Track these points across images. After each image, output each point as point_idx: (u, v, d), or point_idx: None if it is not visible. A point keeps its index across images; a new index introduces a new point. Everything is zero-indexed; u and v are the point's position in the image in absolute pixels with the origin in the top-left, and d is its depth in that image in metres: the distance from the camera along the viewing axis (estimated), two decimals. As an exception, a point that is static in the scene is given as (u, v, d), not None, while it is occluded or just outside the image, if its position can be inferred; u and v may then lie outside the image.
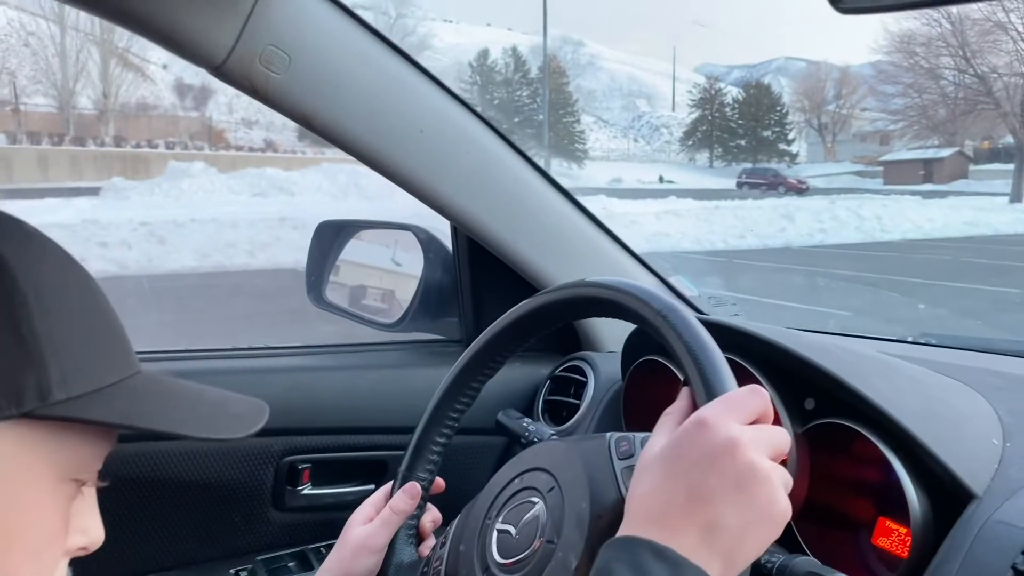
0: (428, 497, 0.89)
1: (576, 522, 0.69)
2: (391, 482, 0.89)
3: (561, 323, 0.85)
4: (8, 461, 0.48)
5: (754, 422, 0.58)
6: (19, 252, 0.49)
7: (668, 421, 0.63)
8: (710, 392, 0.61)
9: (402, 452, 1.12)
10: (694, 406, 0.62)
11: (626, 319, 0.75)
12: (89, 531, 0.56)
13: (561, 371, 1.15)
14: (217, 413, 0.57)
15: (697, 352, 0.65)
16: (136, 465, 0.99)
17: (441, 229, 1.22)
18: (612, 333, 1.17)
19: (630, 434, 0.74)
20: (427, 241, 1.23)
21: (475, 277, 1.21)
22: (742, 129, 58.24)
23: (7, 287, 0.47)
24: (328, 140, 0.95)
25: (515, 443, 1.17)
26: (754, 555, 0.55)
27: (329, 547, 1.09)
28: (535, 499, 0.75)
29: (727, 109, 59.76)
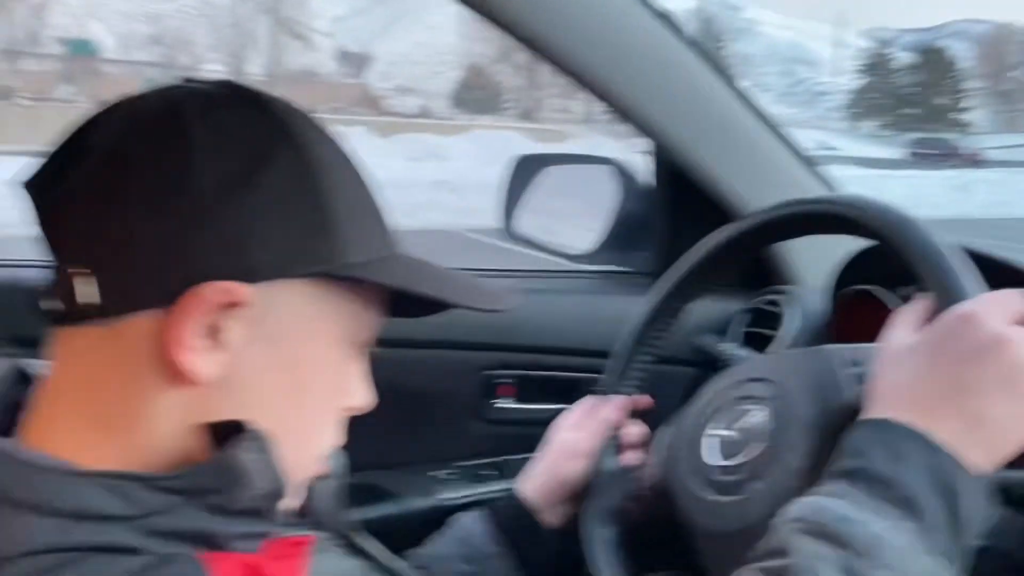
0: (632, 411, 0.92)
1: (799, 426, 0.70)
2: (596, 394, 0.93)
3: (782, 240, 0.85)
4: (301, 318, 0.52)
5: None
6: (310, 132, 0.53)
7: (906, 320, 0.62)
8: (960, 294, 0.60)
9: (595, 375, 1.16)
10: (936, 310, 0.61)
11: (856, 233, 0.75)
12: (363, 394, 0.60)
13: (757, 303, 1.15)
14: (473, 288, 0.61)
15: (941, 257, 0.64)
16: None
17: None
18: (813, 265, 1.15)
19: (855, 344, 0.74)
20: (624, 174, 1.25)
21: (672, 210, 1.22)
22: (912, 96, 54.57)
23: (307, 160, 0.51)
24: (540, 55, 0.97)
25: (707, 371, 1.19)
26: (1013, 454, 0.55)
27: (525, 460, 1.16)
28: (753, 406, 0.76)
29: (896, 75, 56.11)
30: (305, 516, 0.66)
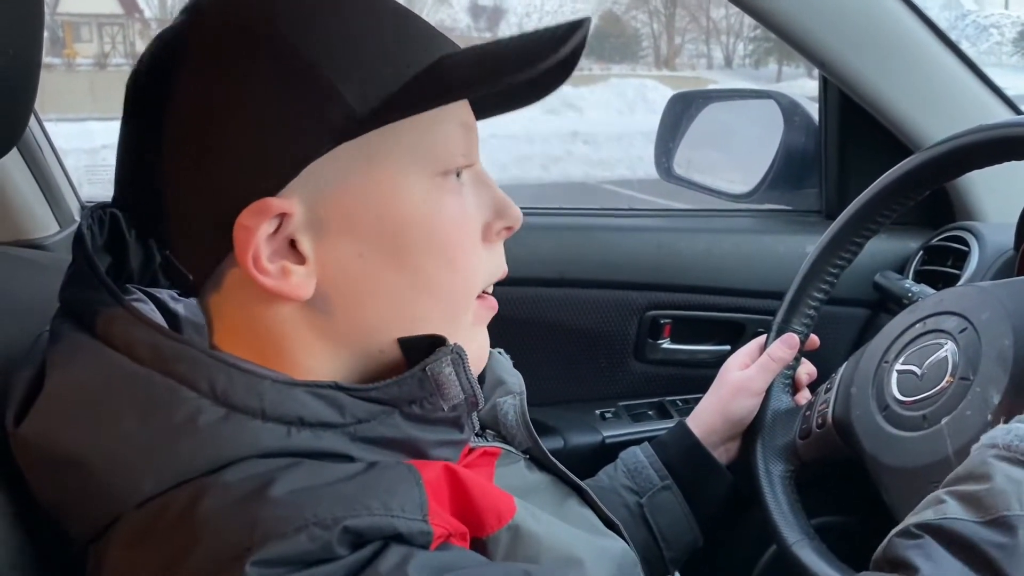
0: (803, 351, 0.90)
1: (997, 359, 0.67)
2: (765, 334, 0.91)
3: (973, 168, 0.80)
4: (356, 191, 0.49)
5: None
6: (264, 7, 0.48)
7: None
8: None
9: (762, 316, 1.14)
10: None
11: None
12: (497, 204, 0.55)
13: (939, 241, 1.09)
14: (521, 49, 0.49)
15: None
16: (517, 306, 1.10)
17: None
18: (998, 200, 1.08)
19: None
20: (789, 108, 1.21)
21: (843, 144, 1.16)
22: (1096, 27, 49.30)
23: (278, 43, 0.47)
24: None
25: (879, 312, 1.14)
26: None
27: (685, 400, 1.16)
28: (943, 340, 0.73)
29: (1077, 3, 50.75)
30: (492, 430, 0.69)
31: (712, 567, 0.95)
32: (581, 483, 0.67)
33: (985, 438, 0.57)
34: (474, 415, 0.53)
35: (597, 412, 1.14)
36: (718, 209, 1.25)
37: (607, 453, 0.93)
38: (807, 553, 0.78)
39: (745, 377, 0.87)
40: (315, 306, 0.49)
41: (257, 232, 0.46)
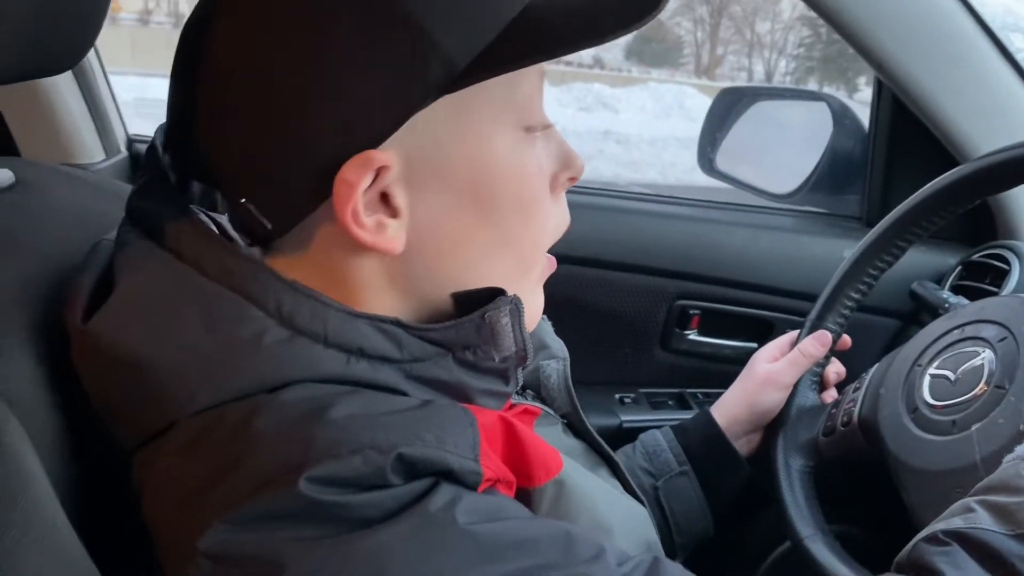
0: (834, 350, 0.90)
1: None
2: (797, 330, 0.91)
3: (1013, 186, 0.79)
4: (449, 145, 0.49)
5: None
6: None
7: None
8: None
9: (791, 316, 1.13)
10: None
11: None
12: (563, 154, 0.55)
13: (978, 257, 1.07)
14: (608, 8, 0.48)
15: None
16: (548, 282, 1.10)
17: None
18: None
19: None
20: (840, 112, 1.19)
21: (891, 153, 1.15)
22: None
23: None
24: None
25: (912, 323, 1.13)
26: None
27: (706, 393, 1.15)
28: (980, 348, 0.72)
29: None
30: (532, 391, 0.69)
31: (720, 559, 0.95)
32: (612, 454, 0.67)
33: (1020, 449, 0.56)
34: (519, 371, 0.53)
35: (617, 396, 1.14)
36: (758, 206, 1.24)
37: (624, 437, 0.93)
38: (819, 548, 0.78)
39: (774, 370, 0.87)
40: (399, 260, 0.49)
41: (358, 185, 0.46)
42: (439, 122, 0.48)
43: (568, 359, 0.71)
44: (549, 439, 0.57)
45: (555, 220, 0.55)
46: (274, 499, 0.40)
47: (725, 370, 1.00)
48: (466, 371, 0.50)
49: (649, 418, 1.10)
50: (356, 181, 0.46)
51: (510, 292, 0.51)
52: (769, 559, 1.02)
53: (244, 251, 0.48)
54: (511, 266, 0.53)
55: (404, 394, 0.47)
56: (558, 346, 0.73)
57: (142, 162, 0.52)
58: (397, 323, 0.48)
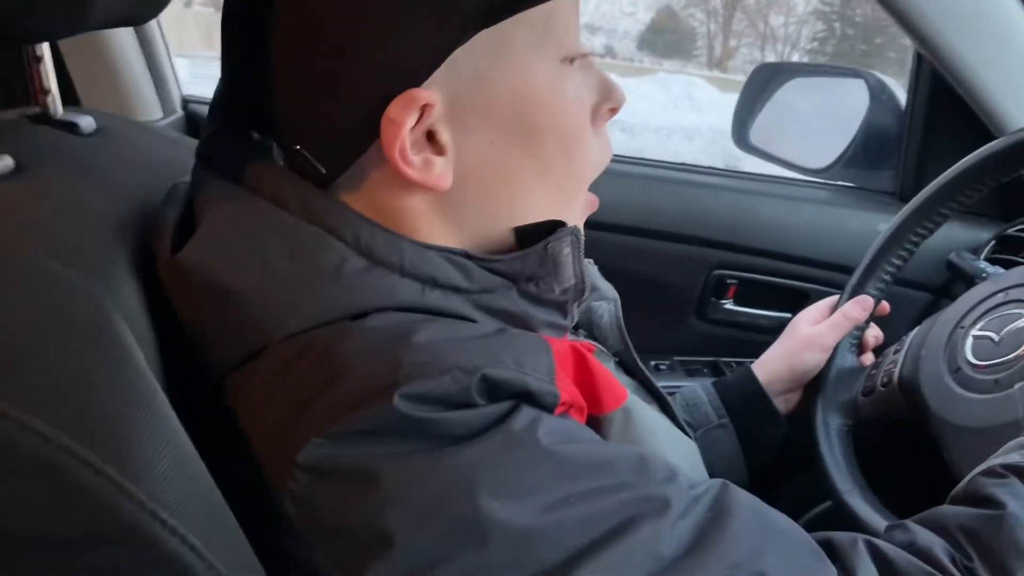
0: (874, 315, 0.91)
1: None
2: (838, 295, 0.92)
3: None
4: (492, 79, 0.50)
5: None
6: None
7: None
8: None
9: (826, 288, 1.15)
10: None
11: None
12: (602, 86, 0.56)
13: (1014, 231, 1.09)
14: None
15: None
16: (590, 249, 1.12)
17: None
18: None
19: None
20: (877, 88, 1.21)
21: (927, 130, 1.17)
22: None
23: None
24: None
25: (944, 297, 1.15)
26: None
27: (740, 363, 1.17)
28: (1019, 310, 0.74)
29: None
30: (584, 330, 0.71)
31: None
32: (663, 393, 0.69)
33: None
34: (576, 305, 0.55)
35: (652, 363, 1.16)
36: (793, 179, 1.26)
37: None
38: (858, 502, 0.79)
39: (816, 332, 0.88)
40: (447, 197, 0.51)
41: (404, 124, 0.47)
42: (479, 57, 0.49)
43: (619, 300, 0.73)
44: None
45: (597, 152, 0.56)
46: (369, 415, 0.42)
47: (759, 340, 1.01)
48: (529, 302, 0.52)
49: (684, 384, 1.12)
50: (402, 120, 0.47)
51: (563, 221, 0.53)
52: (803, 519, 1.04)
53: (325, 192, 0.50)
54: (555, 198, 0.54)
55: (474, 321, 0.49)
56: (608, 288, 0.74)
57: (206, 116, 0.54)
58: (466, 255, 0.50)
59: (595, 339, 0.71)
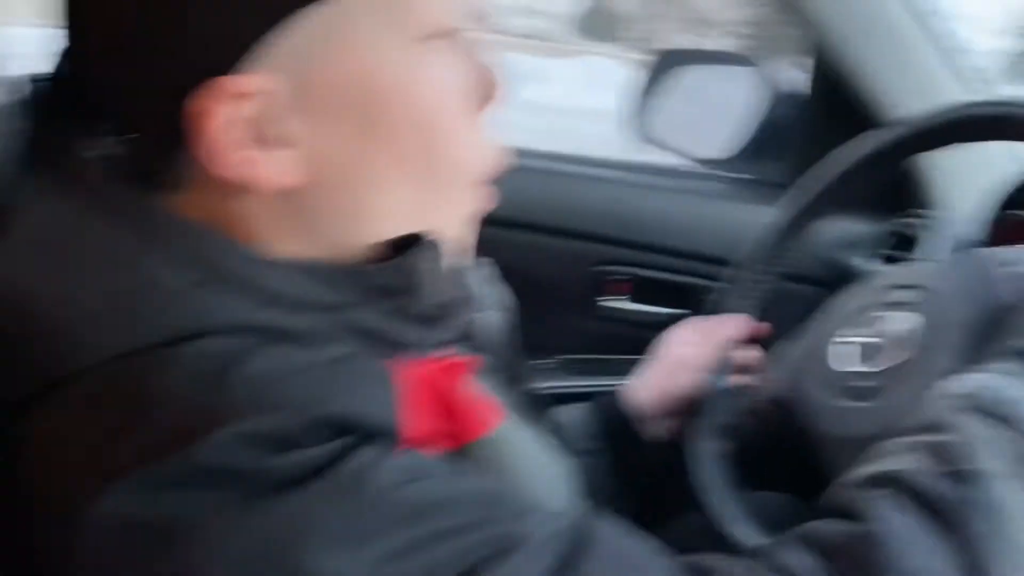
0: (751, 333, 0.87)
1: (953, 331, 0.66)
2: (711, 312, 0.88)
3: (941, 146, 0.79)
4: (334, 60, 0.44)
5: None
6: None
7: None
8: None
9: (713, 283, 1.12)
10: None
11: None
12: (480, 72, 0.50)
13: (897, 226, 1.08)
14: None
15: None
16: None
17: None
18: (960, 191, 1.07)
19: (1011, 246, 0.69)
20: (772, 79, 1.18)
21: (817, 119, 1.15)
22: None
23: None
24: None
25: (830, 291, 1.13)
26: None
27: (628, 360, 1.13)
28: (900, 312, 0.72)
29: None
30: (471, 341, 0.65)
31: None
32: (546, 411, 0.65)
33: (947, 388, 0.54)
34: (447, 320, 0.50)
35: (537, 363, 1.11)
36: (685, 171, 1.23)
37: (539, 404, 0.90)
38: (741, 530, 0.76)
39: (689, 353, 0.84)
40: (289, 198, 0.45)
41: (219, 116, 0.41)
42: (313, 37, 0.42)
43: (512, 309, 0.68)
44: (485, 391, 0.54)
45: (477, 147, 0.50)
46: (177, 461, 0.37)
47: (648, 336, 0.97)
48: (394, 319, 0.46)
49: (568, 384, 1.08)
50: (215, 111, 0.41)
51: (432, 230, 0.48)
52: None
53: (142, 192, 0.44)
54: (424, 199, 0.48)
55: (321, 342, 0.44)
56: (500, 294, 0.69)
57: (23, 104, 0.47)
58: (319, 268, 0.45)
59: (479, 352, 0.65)
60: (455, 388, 0.49)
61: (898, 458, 0.50)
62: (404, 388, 0.44)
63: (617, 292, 1.13)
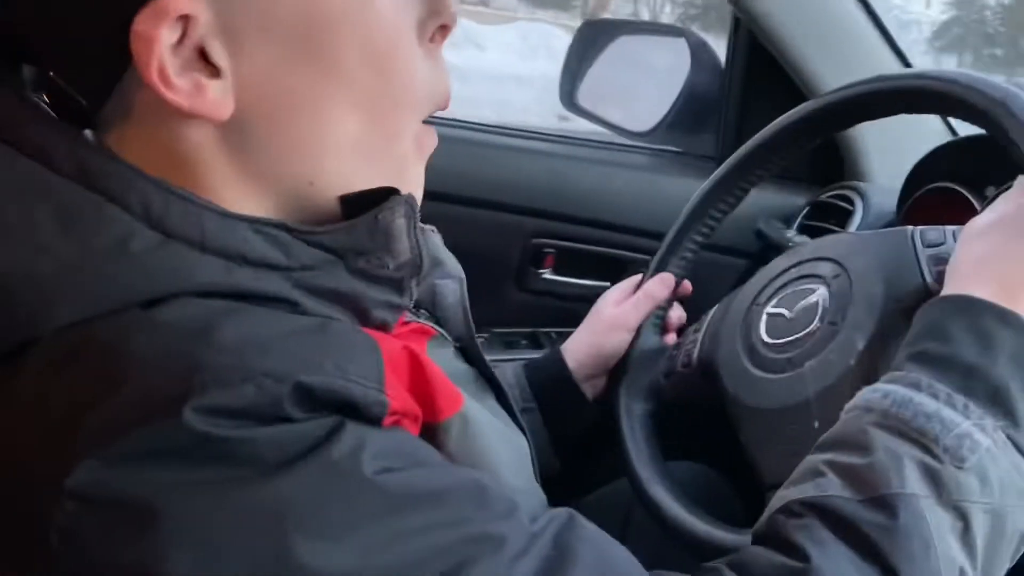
0: (677, 295, 0.88)
1: (867, 306, 0.66)
2: (641, 273, 0.89)
3: (865, 119, 0.79)
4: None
5: None
6: None
7: (1002, 203, 0.58)
8: None
9: (645, 256, 1.12)
10: None
11: (953, 112, 0.69)
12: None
13: (825, 197, 1.09)
14: None
15: None
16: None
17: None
18: (886, 163, 1.09)
19: (938, 226, 0.69)
20: (697, 48, 1.18)
21: (746, 92, 1.15)
22: (1001, 37, 51.96)
23: None
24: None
25: (758, 264, 1.14)
26: None
27: (559, 333, 1.13)
28: (815, 285, 0.72)
29: (988, 12, 53.33)
30: (425, 310, 0.64)
31: (566, 494, 0.94)
32: (501, 383, 0.64)
33: (860, 400, 0.54)
34: (414, 283, 0.48)
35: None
36: (615, 143, 1.22)
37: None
38: (658, 491, 0.77)
39: (619, 312, 0.85)
40: (233, 129, 0.43)
41: (159, 40, 0.39)
42: None
43: (464, 279, 0.66)
44: (441, 362, 0.53)
45: (427, 75, 0.48)
46: (153, 433, 0.35)
47: (578, 309, 0.98)
48: (359, 280, 0.45)
49: (500, 358, 1.07)
50: (155, 34, 0.39)
51: (376, 168, 0.46)
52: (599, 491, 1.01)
53: (94, 142, 0.42)
54: (369, 133, 0.46)
55: (295, 305, 0.42)
56: (454, 264, 0.67)
57: None
58: (281, 226, 0.42)
59: (436, 320, 0.64)
60: (432, 366, 0.48)
61: (821, 482, 0.50)
62: (387, 360, 0.43)
63: (550, 265, 1.13)
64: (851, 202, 1.05)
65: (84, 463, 0.35)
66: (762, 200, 1.10)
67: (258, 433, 0.36)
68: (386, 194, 0.46)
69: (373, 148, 0.46)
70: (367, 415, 0.40)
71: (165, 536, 0.34)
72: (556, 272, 1.14)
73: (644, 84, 1.29)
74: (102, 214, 0.39)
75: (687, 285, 0.88)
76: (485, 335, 1.11)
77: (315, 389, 0.38)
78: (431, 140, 0.51)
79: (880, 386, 0.53)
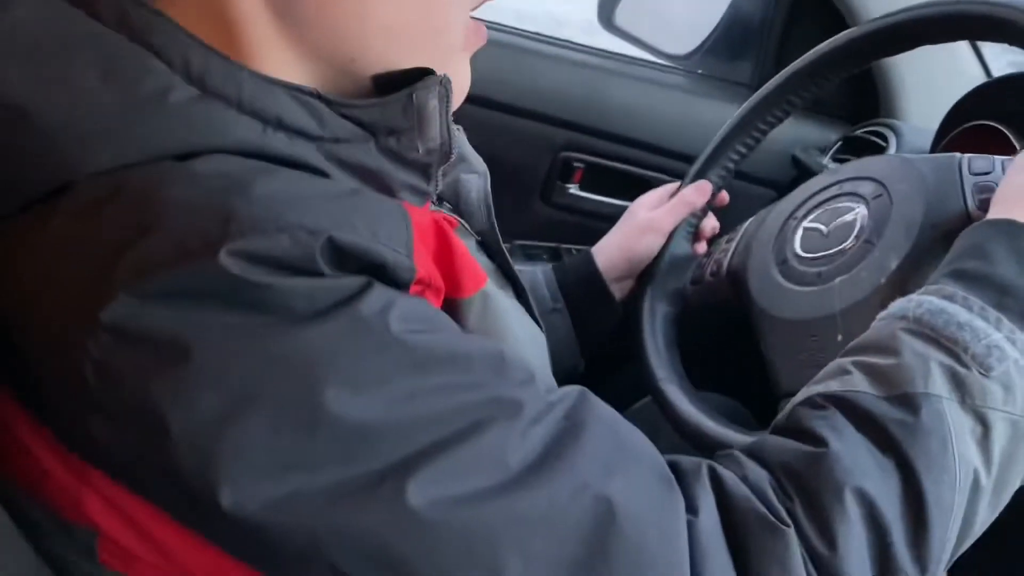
0: (713, 204, 0.89)
1: (904, 227, 0.66)
2: (679, 181, 0.89)
3: (907, 49, 0.78)
4: None
5: None
6: None
7: None
8: None
9: (674, 178, 1.12)
10: None
11: (1008, 40, 0.68)
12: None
13: (859, 132, 1.08)
14: None
15: None
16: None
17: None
18: (923, 104, 1.08)
19: (987, 155, 0.69)
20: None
21: (788, 21, 1.13)
22: None
23: None
24: None
25: (787, 194, 1.14)
26: None
27: (580, 249, 1.13)
28: (855, 204, 0.72)
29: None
30: (449, 203, 0.64)
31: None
32: (520, 279, 0.64)
33: (894, 308, 0.54)
34: (440, 172, 0.48)
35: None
36: (654, 62, 1.20)
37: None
38: (673, 390, 0.78)
39: (654, 216, 0.86)
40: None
41: None
42: None
43: (488, 175, 0.66)
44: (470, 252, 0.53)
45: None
46: (188, 272, 0.35)
47: (602, 228, 0.98)
48: (388, 159, 0.45)
49: (522, 269, 1.07)
50: None
51: (421, 56, 0.46)
52: (628, 410, 1.03)
53: (148, 4, 0.41)
54: (421, 18, 0.46)
55: (324, 175, 0.42)
56: (478, 161, 0.67)
57: None
58: (317, 95, 0.42)
59: (459, 214, 0.64)
60: (454, 240, 0.49)
61: (847, 378, 0.51)
62: (417, 230, 0.43)
63: (577, 180, 1.12)
64: (884, 138, 1.04)
65: (120, 297, 0.35)
66: (796, 133, 1.10)
67: (289, 283, 0.37)
68: (420, 75, 0.45)
69: (422, 34, 0.46)
70: (395, 279, 0.41)
71: (195, 373, 0.35)
72: (583, 188, 1.13)
73: (684, 7, 1.27)
74: (144, 64, 0.39)
75: (724, 196, 0.88)
76: (507, 245, 1.11)
77: (346, 247, 0.38)
78: (479, 36, 0.51)
79: (914, 296, 0.53)
